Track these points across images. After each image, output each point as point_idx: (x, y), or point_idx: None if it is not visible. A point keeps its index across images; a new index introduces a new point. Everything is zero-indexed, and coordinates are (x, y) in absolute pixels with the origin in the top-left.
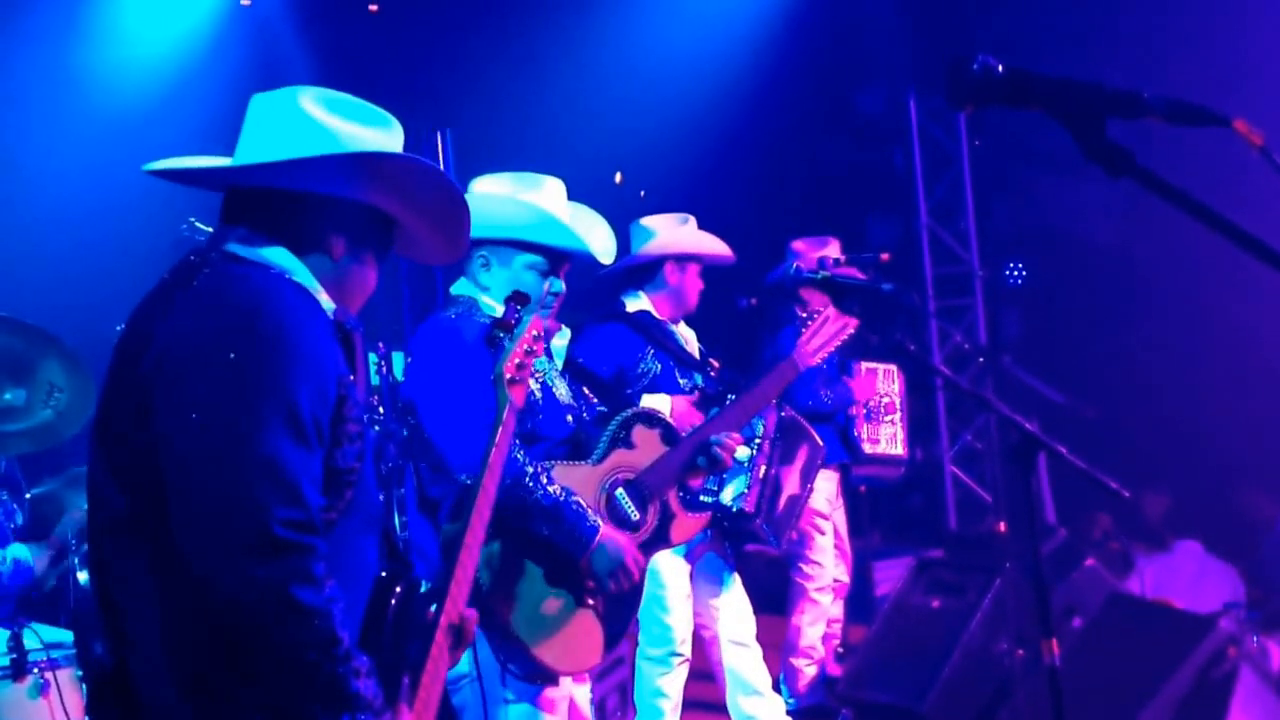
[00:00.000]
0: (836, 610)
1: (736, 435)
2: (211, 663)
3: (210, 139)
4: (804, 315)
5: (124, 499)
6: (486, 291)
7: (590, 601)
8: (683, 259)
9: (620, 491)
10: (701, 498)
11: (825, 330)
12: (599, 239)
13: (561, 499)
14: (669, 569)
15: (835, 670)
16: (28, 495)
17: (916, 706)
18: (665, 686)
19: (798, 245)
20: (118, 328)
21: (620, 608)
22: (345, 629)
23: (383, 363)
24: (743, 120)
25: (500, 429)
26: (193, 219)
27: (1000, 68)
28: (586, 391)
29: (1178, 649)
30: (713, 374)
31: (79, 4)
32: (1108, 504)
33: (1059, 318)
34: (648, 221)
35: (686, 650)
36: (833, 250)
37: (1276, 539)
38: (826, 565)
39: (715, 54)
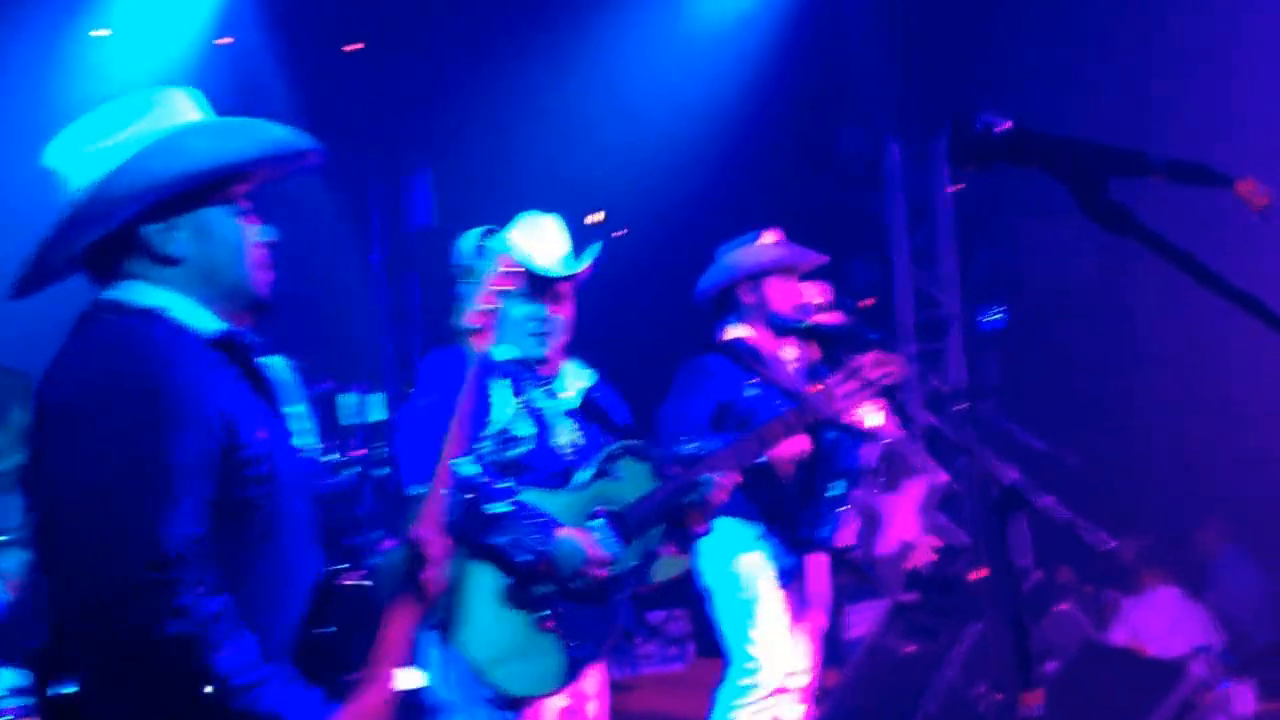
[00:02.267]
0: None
1: (735, 476)
2: (126, 705)
3: None
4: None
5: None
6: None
7: (549, 624)
8: (754, 276)
9: (600, 522)
10: (798, 533)
11: (859, 377)
12: (551, 253)
13: (512, 509)
14: (761, 598)
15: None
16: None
17: None
18: (737, 715)
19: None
20: (197, 365)
21: (585, 627)
22: (238, 646)
23: (359, 404)
24: (724, 161)
25: (467, 389)
26: None
27: (1001, 127)
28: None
29: (1150, 696)
30: None
31: (55, 43)
32: (1086, 550)
33: (1038, 362)
34: (723, 252)
35: (769, 686)
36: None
37: (1232, 580)
38: None
39: (698, 95)
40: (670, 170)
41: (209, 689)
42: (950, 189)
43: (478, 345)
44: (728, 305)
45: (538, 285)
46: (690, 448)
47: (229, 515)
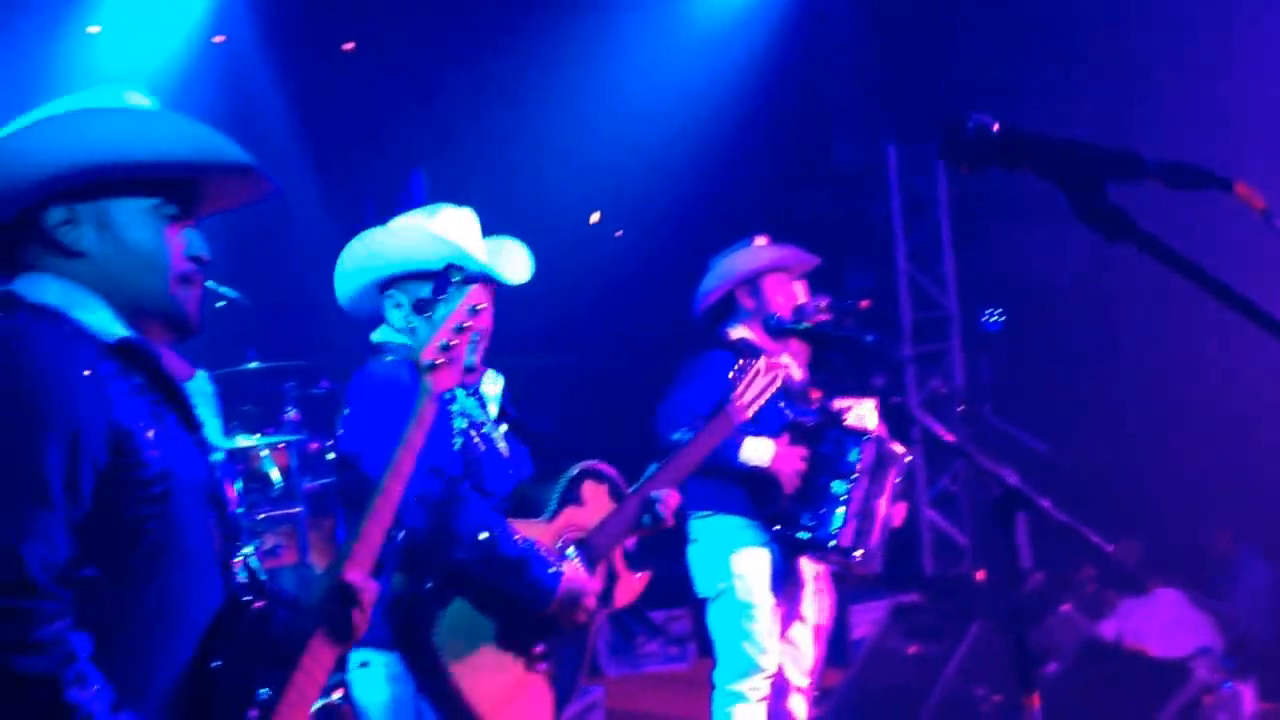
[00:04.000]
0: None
1: (675, 493)
2: None
3: None
4: (734, 368)
5: None
6: (413, 334)
7: (541, 665)
8: (751, 278)
9: (571, 551)
10: (798, 534)
11: (757, 383)
12: (514, 265)
13: (527, 549)
14: (761, 599)
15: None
16: None
17: None
18: (736, 715)
19: (760, 240)
20: (85, 373)
21: (566, 670)
22: (90, 691)
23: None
24: (720, 164)
25: (415, 423)
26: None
27: (995, 128)
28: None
29: (1153, 697)
30: (814, 405)
31: (48, 41)
32: (1086, 552)
33: (1035, 363)
34: (716, 261)
35: (766, 687)
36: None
37: (1246, 584)
38: None
39: (693, 99)
40: (666, 173)
41: None
42: (947, 191)
43: (436, 383)
44: (728, 311)
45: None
46: (686, 437)
47: (114, 537)
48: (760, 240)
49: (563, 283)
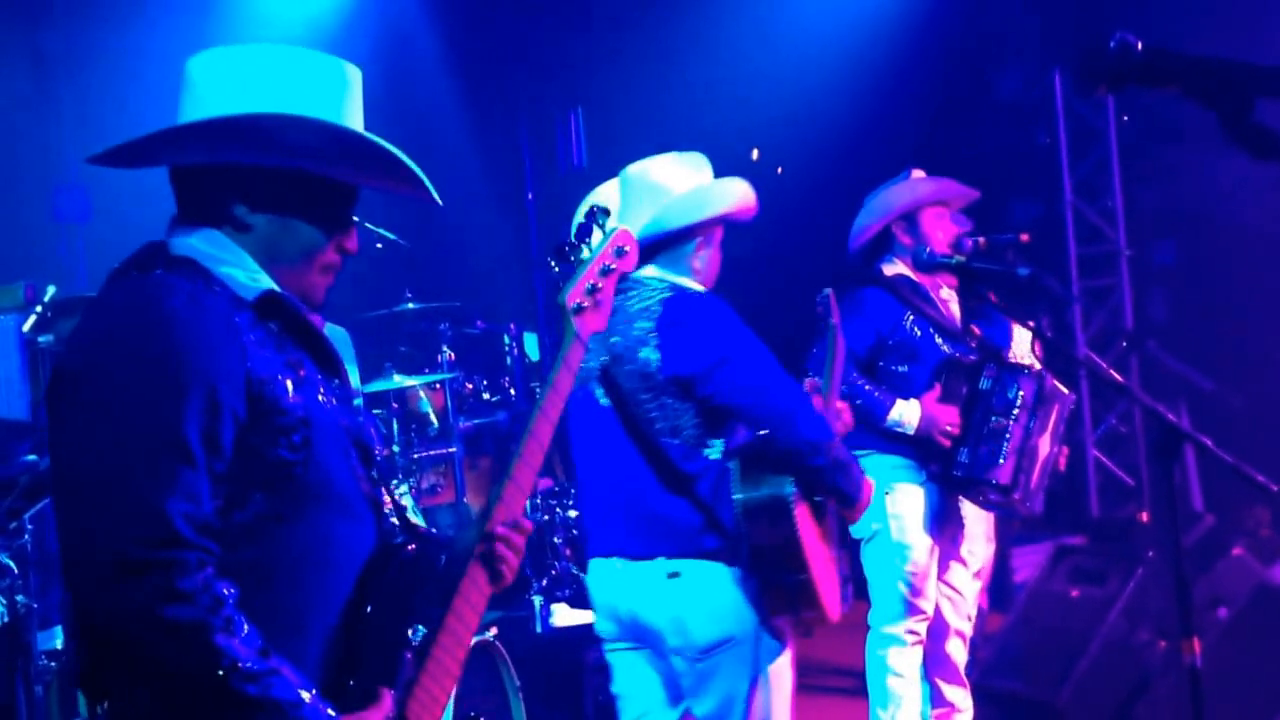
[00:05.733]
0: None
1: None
2: (127, 675)
3: None
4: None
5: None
6: (697, 277)
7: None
8: (906, 215)
9: None
10: (954, 472)
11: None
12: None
13: (853, 455)
14: (916, 539)
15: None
16: None
17: (1052, 698)
18: (899, 664)
19: (917, 173)
20: (220, 325)
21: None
22: (238, 636)
23: (514, 344)
24: (879, 95)
25: (562, 366)
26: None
27: (1139, 46)
28: None
29: None
30: (973, 342)
31: None
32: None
33: (1208, 300)
34: (872, 196)
35: (922, 630)
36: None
37: None
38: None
39: (849, 30)
40: (824, 108)
41: (220, 673)
42: (1115, 120)
43: (583, 326)
44: (884, 247)
45: None
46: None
47: (261, 484)
48: (917, 173)
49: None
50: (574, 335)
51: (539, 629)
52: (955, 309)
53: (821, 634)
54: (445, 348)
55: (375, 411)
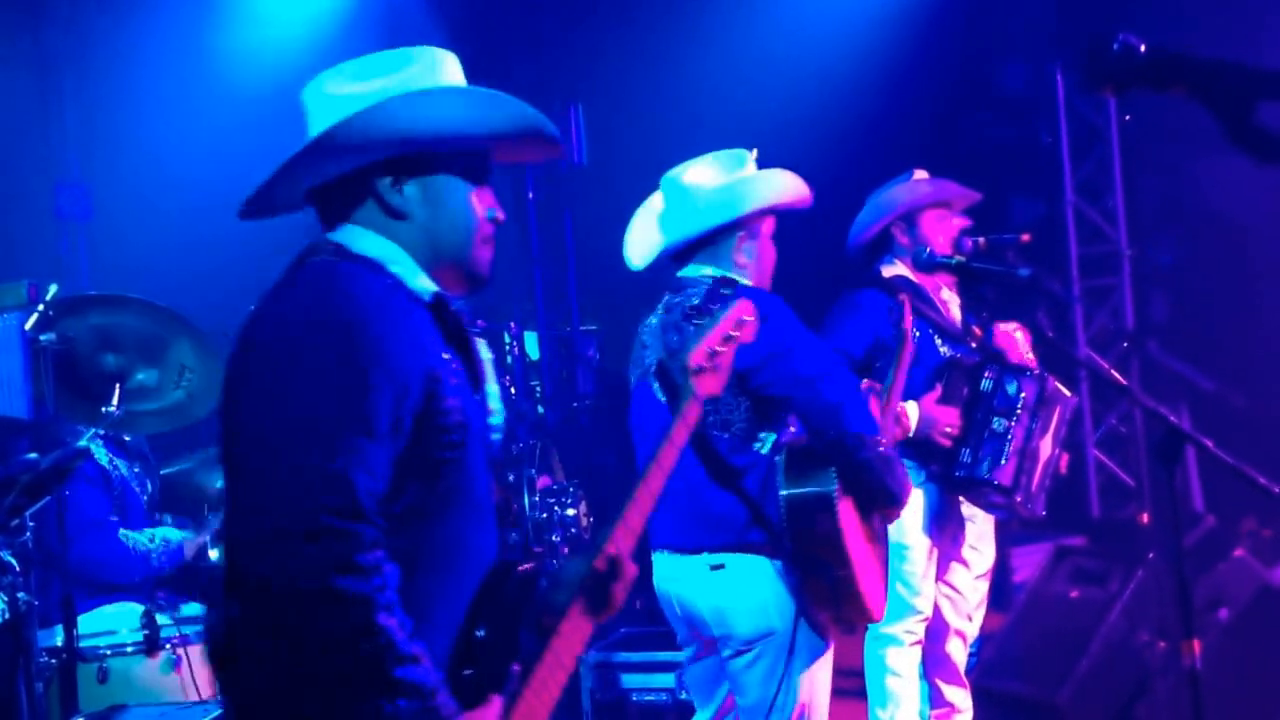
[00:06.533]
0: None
1: None
2: (274, 643)
3: None
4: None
5: (225, 480)
6: (743, 271)
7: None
8: (906, 216)
9: None
10: (955, 472)
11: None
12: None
13: (895, 452)
14: (914, 539)
15: None
16: (161, 473)
17: (1052, 698)
18: (897, 664)
19: (919, 174)
20: (407, 320)
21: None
22: (396, 618)
23: (514, 343)
24: (880, 92)
25: (680, 423)
26: None
27: (1142, 47)
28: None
29: None
30: (973, 344)
31: None
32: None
33: (1209, 300)
34: (874, 195)
35: (920, 630)
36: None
37: None
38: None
39: (852, 26)
40: (824, 106)
41: (375, 651)
42: (1118, 119)
43: (700, 386)
44: (884, 247)
45: None
46: None
47: (418, 477)
48: (920, 174)
49: None
50: (691, 394)
51: None
52: (956, 310)
53: None
54: None
55: None
